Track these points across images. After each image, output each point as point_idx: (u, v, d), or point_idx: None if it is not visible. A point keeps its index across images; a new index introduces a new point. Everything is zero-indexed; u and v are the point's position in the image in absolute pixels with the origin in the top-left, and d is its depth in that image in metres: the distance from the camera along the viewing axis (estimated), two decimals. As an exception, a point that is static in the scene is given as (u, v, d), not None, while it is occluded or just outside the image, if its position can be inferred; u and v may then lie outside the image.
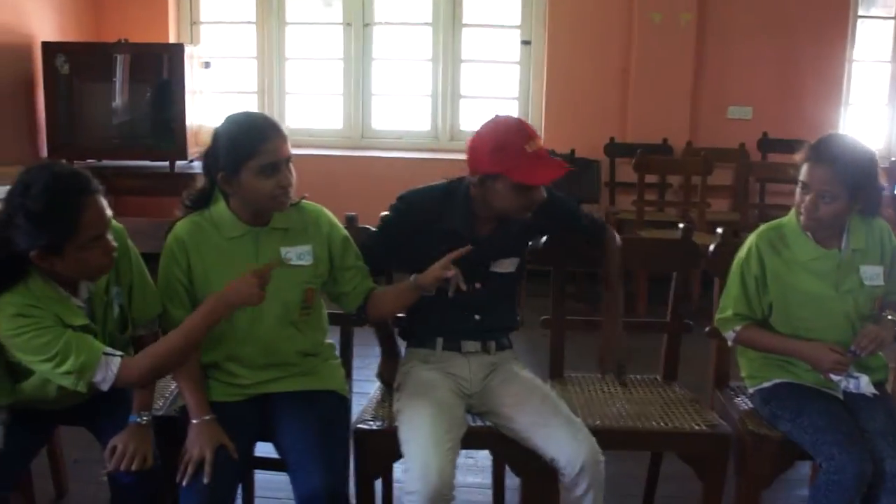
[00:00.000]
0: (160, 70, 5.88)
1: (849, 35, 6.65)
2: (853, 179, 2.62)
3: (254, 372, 2.58)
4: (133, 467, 2.33)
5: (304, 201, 2.63)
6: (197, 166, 5.88)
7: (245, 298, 2.30)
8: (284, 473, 2.54)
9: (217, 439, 2.39)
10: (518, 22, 6.65)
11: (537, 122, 6.63)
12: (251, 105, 6.82)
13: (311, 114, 6.92)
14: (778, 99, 6.55)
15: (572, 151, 6.26)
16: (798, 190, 2.69)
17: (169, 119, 5.81)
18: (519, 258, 2.80)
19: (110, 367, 2.29)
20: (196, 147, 5.86)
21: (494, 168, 2.56)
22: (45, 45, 5.70)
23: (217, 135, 2.49)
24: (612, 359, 2.80)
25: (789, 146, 6.26)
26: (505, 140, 2.56)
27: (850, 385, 2.67)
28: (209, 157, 2.51)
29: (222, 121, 2.53)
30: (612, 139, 6.38)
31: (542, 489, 2.64)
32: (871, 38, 6.86)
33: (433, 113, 6.76)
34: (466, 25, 6.69)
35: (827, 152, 2.64)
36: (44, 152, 5.90)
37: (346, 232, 2.72)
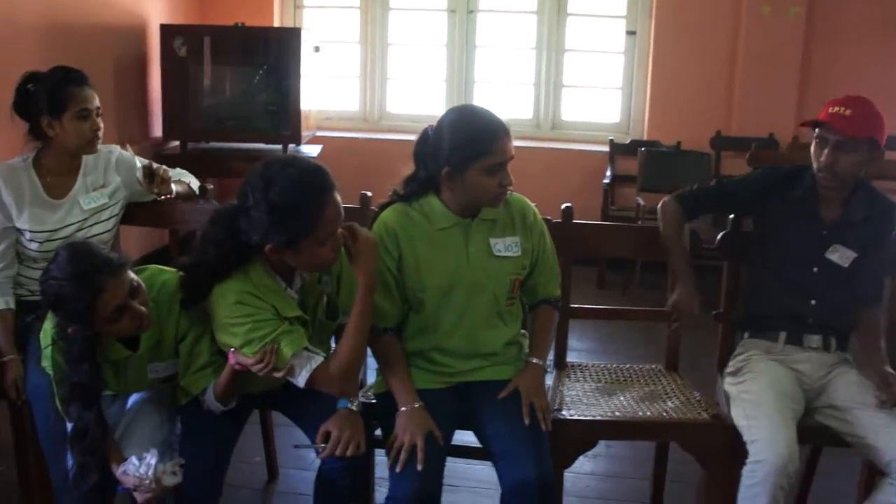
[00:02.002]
0: (275, 54, 5.89)
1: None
2: None
3: (459, 361, 2.57)
4: (348, 453, 2.35)
5: (511, 193, 2.62)
6: (307, 149, 5.91)
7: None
8: (474, 461, 2.56)
9: (427, 426, 2.39)
10: (624, 12, 6.59)
11: (642, 113, 6.59)
12: (353, 89, 6.84)
13: (413, 99, 6.91)
14: (885, 94, 6.44)
15: (678, 144, 6.23)
16: None
17: (283, 102, 5.81)
18: (856, 254, 2.77)
19: (311, 363, 2.32)
20: (307, 131, 5.89)
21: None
22: (164, 27, 5.72)
23: (442, 128, 2.48)
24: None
25: None
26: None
27: None
28: (429, 148, 2.50)
29: (447, 113, 2.51)
30: (718, 132, 6.31)
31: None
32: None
33: (535, 102, 6.73)
34: (571, 14, 6.64)
35: None
36: (157, 132, 5.95)
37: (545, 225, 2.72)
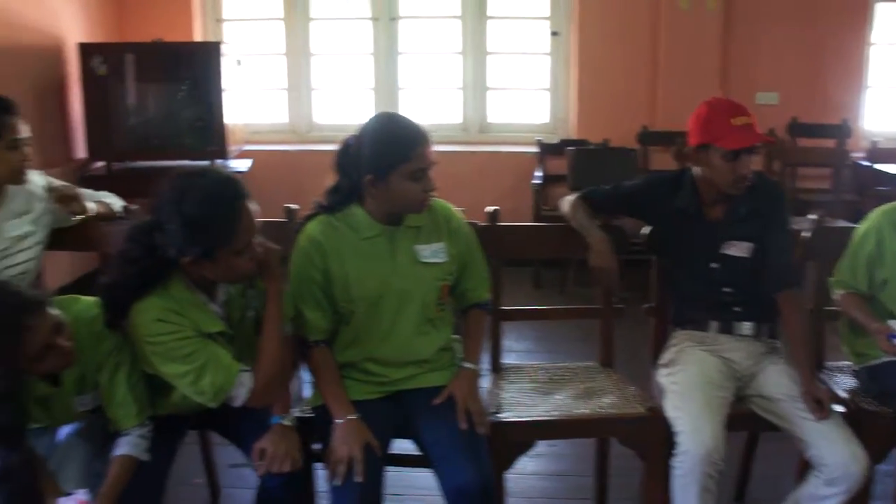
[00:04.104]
0: (196, 68, 5.83)
1: (867, 19, 6.72)
2: None
3: (392, 369, 2.57)
4: (285, 468, 2.33)
5: (434, 200, 2.62)
6: (232, 165, 5.85)
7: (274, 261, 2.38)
8: (417, 469, 2.56)
9: (363, 437, 2.38)
10: (547, 13, 6.65)
11: (570, 112, 6.66)
12: (280, 101, 6.80)
13: (340, 109, 6.89)
14: (803, 84, 6.61)
15: (606, 141, 6.30)
16: None
17: (207, 118, 5.76)
18: (753, 244, 2.81)
19: (244, 385, 2.32)
20: (233, 146, 5.83)
21: (703, 138, 2.73)
22: (83, 45, 5.63)
23: (363, 137, 2.47)
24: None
25: (820, 130, 6.45)
26: (711, 113, 2.74)
27: None
28: (351, 158, 2.49)
29: (367, 122, 2.51)
30: (644, 128, 6.39)
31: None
32: (889, 22, 6.91)
33: (463, 106, 6.75)
34: (493, 18, 6.68)
35: None
36: (81, 154, 5.84)
37: (471, 229, 2.72)
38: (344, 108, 6.90)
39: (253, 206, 2.27)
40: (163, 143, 5.85)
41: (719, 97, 2.93)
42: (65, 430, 2.50)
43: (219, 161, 5.71)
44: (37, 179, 2.99)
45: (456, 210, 2.68)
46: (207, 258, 2.23)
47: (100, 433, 2.47)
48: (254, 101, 6.60)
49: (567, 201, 3.02)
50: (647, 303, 3.07)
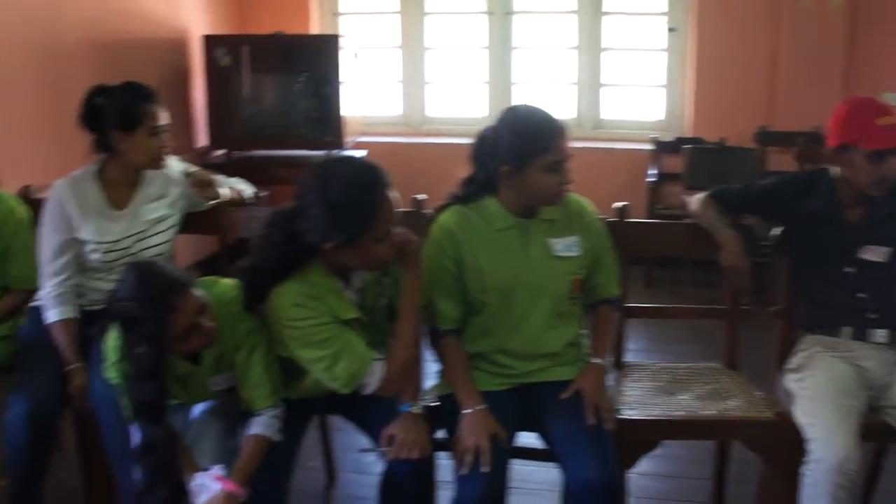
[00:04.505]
0: (314, 61, 5.91)
1: None
2: None
3: (520, 362, 2.57)
4: (414, 456, 2.35)
5: (568, 193, 2.61)
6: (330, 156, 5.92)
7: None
8: (531, 463, 2.56)
9: (491, 428, 2.39)
10: (665, 9, 6.54)
11: (685, 110, 6.54)
12: (394, 94, 6.86)
13: (453, 103, 6.91)
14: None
15: (722, 140, 6.18)
16: None
17: (324, 109, 5.84)
18: (891, 249, 2.74)
19: (376, 373, 2.35)
20: (348, 137, 5.91)
21: (844, 139, 2.67)
22: (207, 38, 5.78)
23: (501, 128, 2.48)
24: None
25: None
26: (854, 113, 2.67)
27: None
28: (487, 148, 2.50)
29: (505, 113, 2.52)
30: (762, 127, 6.24)
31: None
32: None
33: (577, 102, 6.70)
34: (609, 13, 6.60)
35: None
36: (203, 142, 6.00)
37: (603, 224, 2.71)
38: (457, 102, 6.91)
39: (393, 195, 2.30)
40: (280, 133, 5.96)
41: (861, 96, 2.84)
42: (199, 408, 2.58)
43: (334, 152, 5.79)
44: (174, 165, 3.08)
45: (589, 204, 2.67)
46: (349, 244, 2.26)
47: (232, 412, 2.55)
48: (368, 94, 6.67)
49: (696, 200, 2.97)
50: (772, 305, 3.00)
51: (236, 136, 5.94)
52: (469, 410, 2.43)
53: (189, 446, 2.42)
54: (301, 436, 2.60)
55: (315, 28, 6.74)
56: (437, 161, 5.59)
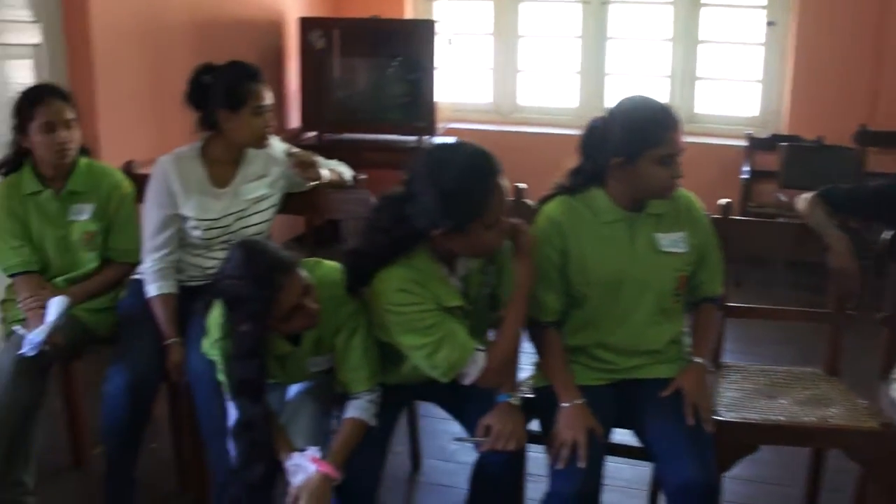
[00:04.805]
0: (409, 45, 5.92)
1: None
2: None
3: (621, 358, 2.53)
4: (510, 447, 2.33)
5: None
6: (441, 142, 5.90)
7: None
8: (620, 460, 2.53)
9: (588, 423, 2.36)
10: (763, 2, 6.39)
11: (782, 106, 6.39)
12: (485, 81, 6.83)
13: (544, 92, 6.85)
14: None
15: (820, 138, 6.01)
16: None
17: (417, 94, 5.85)
18: None
19: (477, 363, 2.32)
20: (440, 122, 5.90)
21: None
22: (303, 20, 5.83)
23: (613, 119, 2.44)
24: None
25: None
26: None
27: None
28: (597, 140, 2.46)
29: (618, 103, 2.48)
30: (863, 126, 6.05)
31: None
32: None
33: (671, 94, 6.59)
34: (707, 5, 6.47)
35: None
36: (294, 123, 6.05)
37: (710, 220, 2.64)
38: (548, 91, 6.85)
39: (504, 183, 2.27)
40: (371, 117, 5.99)
41: None
42: (295, 388, 2.60)
43: (425, 137, 5.79)
44: (276, 145, 3.10)
45: (697, 199, 2.61)
46: (458, 231, 2.24)
47: (328, 394, 2.56)
48: (459, 80, 6.65)
49: (803, 199, 2.88)
50: (879, 311, 2.89)
51: (328, 119, 5.98)
52: (567, 404, 2.40)
53: (284, 426, 2.44)
54: (395, 421, 2.59)
55: (409, 13, 6.75)
56: (528, 150, 5.59)
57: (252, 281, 2.19)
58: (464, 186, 2.21)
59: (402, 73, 5.97)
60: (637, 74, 6.71)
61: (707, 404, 2.45)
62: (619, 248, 2.47)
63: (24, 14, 4.05)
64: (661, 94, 6.47)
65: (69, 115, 2.98)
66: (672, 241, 2.50)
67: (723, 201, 2.93)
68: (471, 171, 2.23)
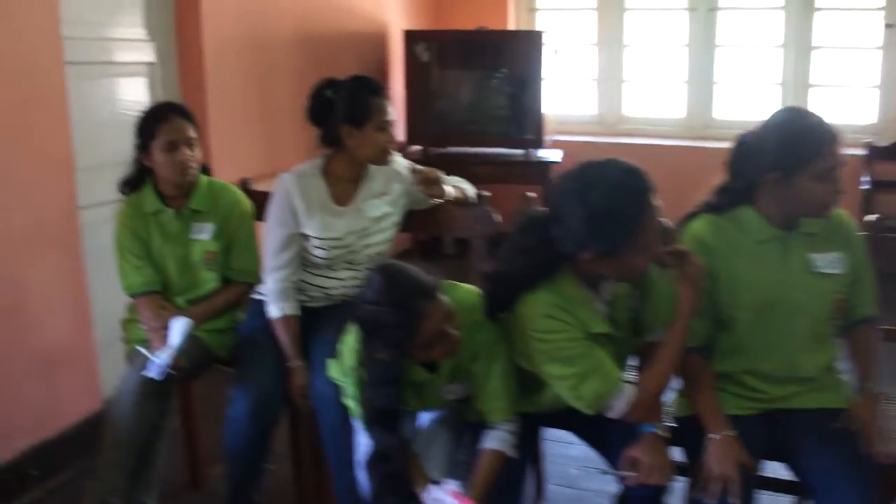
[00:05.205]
0: (516, 57, 5.81)
1: None
2: None
3: (773, 386, 2.37)
4: (659, 482, 2.20)
5: None
6: (546, 154, 5.81)
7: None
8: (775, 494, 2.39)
9: (739, 456, 2.21)
10: (882, 3, 6.11)
11: (903, 113, 6.11)
12: (589, 92, 6.69)
13: (650, 102, 6.68)
14: None
15: (942, 148, 5.72)
16: None
17: (524, 107, 5.74)
18: None
19: (625, 396, 2.19)
20: (546, 135, 5.78)
21: None
22: (408, 33, 5.78)
23: (766, 133, 2.30)
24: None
25: None
26: None
27: None
28: (748, 156, 2.32)
29: (772, 116, 2.34)
30: None
31: None
32: None
33: (782, 103, 6.35)
34: (821, 9, 6.22)
35: None
36: (400, 138, 5.99)
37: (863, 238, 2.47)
38: (654, 101, 6.68)
39: (657, 202, 2.14)
40: (478, 130, 5.90)
41: None
42: (426, 416, 2.50)
43: (532, 150, 5.68)
44: (399, 161, 3.02)
45: (849, 217, 2.44)
46: (609, 255, 2.12)
47: (460, 422, 2.46)
48: (562, 91, 6.52)
49: None
50: None
51: (433, 133, 5.91)
52: (716, 436, 2.25)
53: (419, 456, 2.34)
54: (531, 452, 2.48)
55: (512, 24, 6.65)
56: (634, 162, 5.39)
57: (393, 307, 2.09)
58: (615, 207, 2.08)
59: (505, 85, 5.87)
60: (747, 83, 6.50)
61: (883, 434, 2.28)
62: (771, 269, 2.32)
63: (139, 32, 4.07)
64: (771, 102, 6.30)
65: (191, 133, 2.95)
66: (828, 262, 2.34)
67: (871, 217, 2.75)
68: (622, 190, 2.09)
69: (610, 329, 2.25)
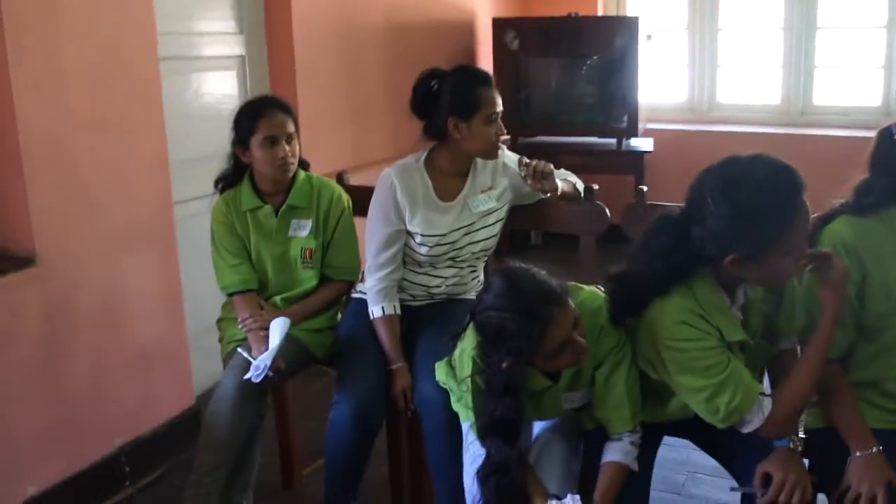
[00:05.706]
0: (606, 44, 5.63)
1: None
2: None
3: (922, 397, 2.20)
4: (794, 500, 2.04)
5: None
6: (638, 143, 5.64)
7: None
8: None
9: (886, 475, 2.05)
10: None
11: None
12: (678, 79, 6.48)
13: (745, 88, 6.45)
14: None
15: None
16: None
17: (617, 94, 5.58)
18: None
19: (762, 411, 2.03)
20: (640, 123, 5.60)
21: None
22: (496, 21, 5.65)
23: None
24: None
25: None
26: None
27: None
28: (894, 149, 2.15)
29: None
30: None
31: None
32: None
33: (884, 86, 6.07)
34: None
35: None
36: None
37: None
38: (749, 87, 6.44)
39: (807, 201, 1.97)
40: (569, 119, 5.75)
41: None
42: (540, 426, 2.38)
43: (625, 140, 5.51)
44: (507, 153, 2.91)
45: None
46: (754, 258, 1.96)
47: (575, 432, 2.33)
48: (652, 78, 6.32)
49: None
50: None
51: (523, 121, 5.77)
52: (860, 453, 2.09)
53: (534, 467, 2.22)
54: (653, 463, 2.34)
55: (601, 9, 6.47)
56: (728, 150, 5.15)
57: (518, 314, 1.96)
58: (764, 205, 1.91)
59: (596, 72, 5.70)
60: (847, 66, 6.22)
61: None
62: None
63: (230, 26, 4.02)
64: (872, 86, 6.02)
65: (291, 128, 2.86)
66: None
67: None
68: (772, 187, 1.92)
69: (746, 336, 2.10)
